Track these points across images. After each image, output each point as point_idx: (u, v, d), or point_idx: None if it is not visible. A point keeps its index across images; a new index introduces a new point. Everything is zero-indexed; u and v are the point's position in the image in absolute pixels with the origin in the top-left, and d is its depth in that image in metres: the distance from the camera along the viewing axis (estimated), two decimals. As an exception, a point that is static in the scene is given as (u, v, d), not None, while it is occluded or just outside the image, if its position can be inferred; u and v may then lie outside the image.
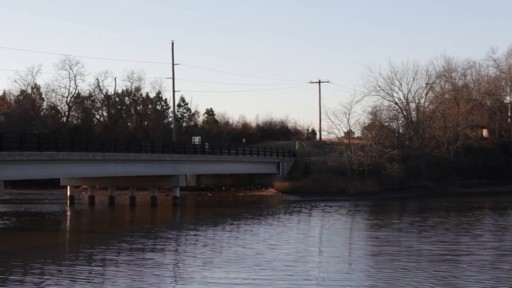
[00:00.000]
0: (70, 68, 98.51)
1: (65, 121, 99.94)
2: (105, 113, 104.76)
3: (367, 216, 51.58)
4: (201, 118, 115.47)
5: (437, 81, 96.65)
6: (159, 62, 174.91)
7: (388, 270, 25.89)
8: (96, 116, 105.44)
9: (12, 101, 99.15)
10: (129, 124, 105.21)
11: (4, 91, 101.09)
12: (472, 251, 30.85)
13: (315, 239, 37.79)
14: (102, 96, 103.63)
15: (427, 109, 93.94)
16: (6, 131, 72.52)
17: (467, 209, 55.80)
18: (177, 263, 28.59)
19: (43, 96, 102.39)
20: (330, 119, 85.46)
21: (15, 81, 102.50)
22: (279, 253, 30.25)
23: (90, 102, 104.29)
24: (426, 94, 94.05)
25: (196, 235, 38.92)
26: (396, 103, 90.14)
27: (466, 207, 58.69)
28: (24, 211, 55.91)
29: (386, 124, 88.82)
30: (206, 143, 76.50)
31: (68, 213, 55.78)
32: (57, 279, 24.49)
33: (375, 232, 39.66)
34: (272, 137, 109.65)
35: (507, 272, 25.45)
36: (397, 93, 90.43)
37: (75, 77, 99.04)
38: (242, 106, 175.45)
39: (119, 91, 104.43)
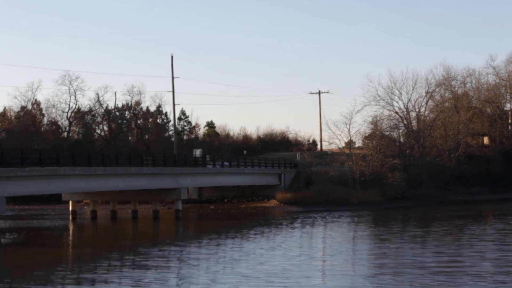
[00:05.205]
0: (70, 84, 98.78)
1: (66, 136, 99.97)
2: (105, 128, 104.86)
3: (369, 227, 51.45)
4: (201, 131, 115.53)
5: (437, 89, 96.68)
6: (159, 76, 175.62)
7: (392, 285, 25.81)
8: (96, 131, 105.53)
9: (13, 117, 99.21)
10: (130, 138, 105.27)
11: (5, 107, 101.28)
12: (474, 263, 30.75)
13: (318, 252, 37.61)
14: (103, 110, 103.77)
15: (428, 117, 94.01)
16: (7, 147, 72.65)
17: (468, 217, 55.63)
18: (181, 281, 28.46)
19: (44, 111, 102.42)
20: (330, 130, 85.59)
21: (15, 97, 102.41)
22: (281, 268, 30.07)
23: (91, 117, 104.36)
24: (426, 103, 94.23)
25: (199, 251, 38.76)
26: (396, 112, 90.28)
27: (467, 215, 58.52)
28: (27, 226, 55.84)
29: (386, 133, 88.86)
30: (207, 156, 76.48)
31: (71, 228, 55.76)
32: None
33: (378, 245, 39.55)
34: (273, 148, 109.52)
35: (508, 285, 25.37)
36: (397, 102, 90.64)
37: (75, 92, 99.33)
38: (242, 118, 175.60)
39: (120, 105, 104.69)
